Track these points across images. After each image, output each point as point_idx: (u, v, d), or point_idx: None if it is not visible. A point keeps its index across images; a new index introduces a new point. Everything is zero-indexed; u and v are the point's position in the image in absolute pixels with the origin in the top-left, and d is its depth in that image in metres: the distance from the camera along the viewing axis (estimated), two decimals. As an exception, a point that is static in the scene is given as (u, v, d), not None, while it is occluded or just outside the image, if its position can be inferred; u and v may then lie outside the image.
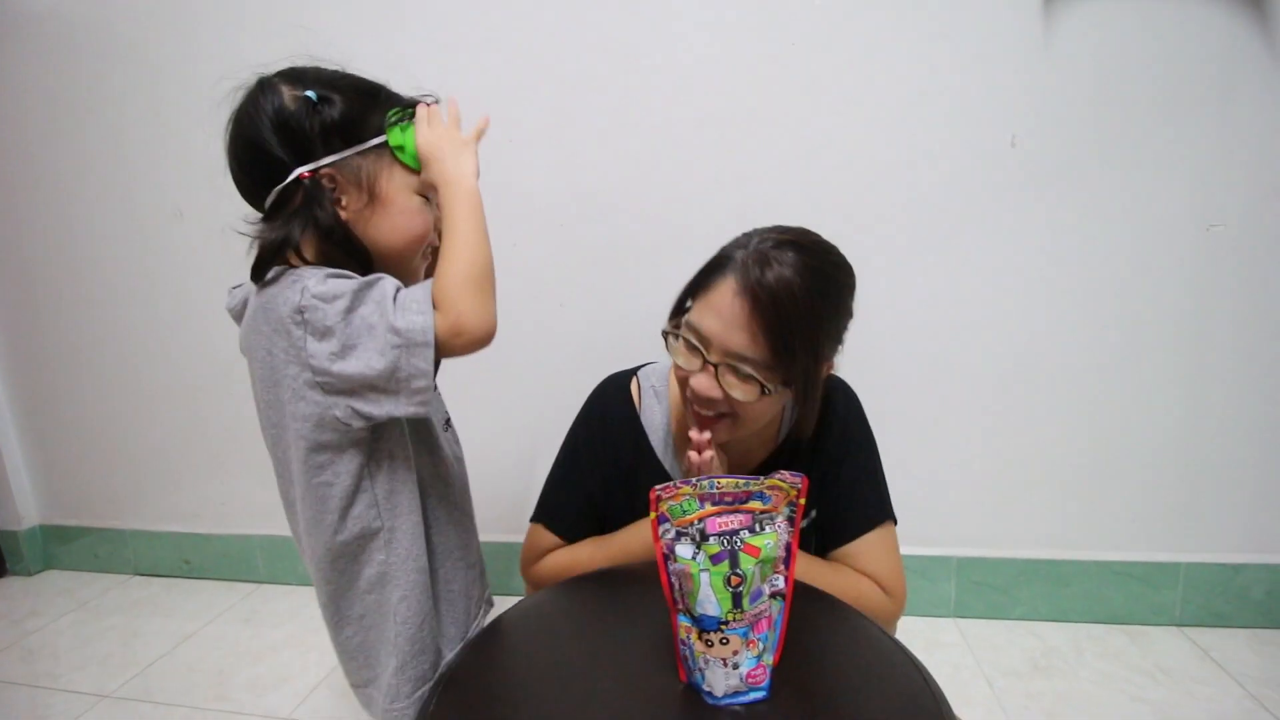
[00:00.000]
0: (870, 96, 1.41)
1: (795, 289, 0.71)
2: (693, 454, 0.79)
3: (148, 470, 1.95)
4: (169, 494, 1.95)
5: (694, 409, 0.80)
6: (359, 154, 0.67)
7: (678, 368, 0.80)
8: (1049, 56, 1.34)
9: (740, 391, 0.74)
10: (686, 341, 0.77)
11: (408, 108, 0.72)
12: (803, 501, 0.61)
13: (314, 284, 0.62)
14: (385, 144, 0.69)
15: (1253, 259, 1.38)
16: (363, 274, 0.67)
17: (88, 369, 1.91)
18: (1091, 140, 1.37)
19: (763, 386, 0.73)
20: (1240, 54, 1.30)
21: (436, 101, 0.75)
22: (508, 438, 1.62)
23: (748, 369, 0.73)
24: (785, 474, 0.61)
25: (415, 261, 0.74)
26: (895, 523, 0.90)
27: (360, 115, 0.68)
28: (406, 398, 0.63)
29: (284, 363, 0.64)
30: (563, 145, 1.52)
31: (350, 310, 0.61)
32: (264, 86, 0.67)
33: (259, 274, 0.66)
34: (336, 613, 0.73)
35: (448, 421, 0.83)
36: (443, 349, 0.63)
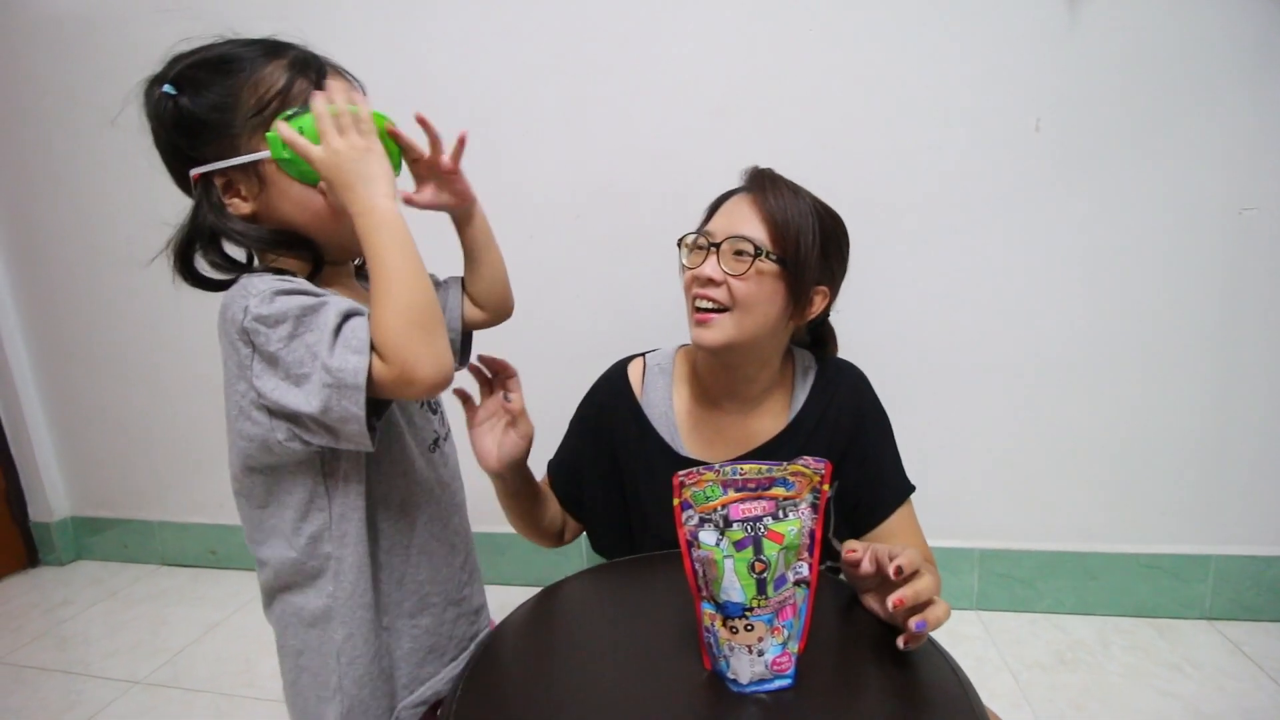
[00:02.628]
0: (889, 80, 1.39)
1: (796, 195, 0.84)
2: None
3: (173, 463, 1.99)
4: (194, 486, 1.98)
5: (694, 307, 0.85)
6: (234, 149, 0.60)
7: (685, 269, 0.86)
8: (1075, 36, 1.31)
9: (737, 266, 0.81)
10: (696, 244, 0.86)
11: (288, 106, 0.60)
12: (826, 488, 0.61)
13: (256, 303, 0.55)
14: (268, 150, 0.60)
15: (1288, 243, 1.34)
16: (308, 255, 0.64)
17: (114, 365, 1.95)
18: (1119, 123, 1.34)
19: (756, 251, 0.80)
20: (1273, 33, 1.26)
21: (325, 73, 0.63)
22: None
23: (746, 245, 0.80)
24: (809, 460, 0.61)
25: (347, 229, 0.60)
26: (914, 489, 0.92)
27: (227, 96, 0.60)
28: (344, 439, 0.57)
29: (234, 378, 0.59)
30: (577, 136, 1.51)
31: (293, 336, 0.55)
32: (146, 87, 0.62)
33: (199, 283, 0.64)
34: (279, 640, 0.67)
35: (436, 442, 0.74)
36: (392, 394, 0.57)
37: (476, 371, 0.83)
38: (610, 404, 0.96)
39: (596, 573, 0.84)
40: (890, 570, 0.62)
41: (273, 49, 0.63)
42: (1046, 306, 1.44)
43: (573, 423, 1.01)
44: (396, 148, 0.66)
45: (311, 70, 0.62)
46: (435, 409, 0.77)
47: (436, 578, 0.72)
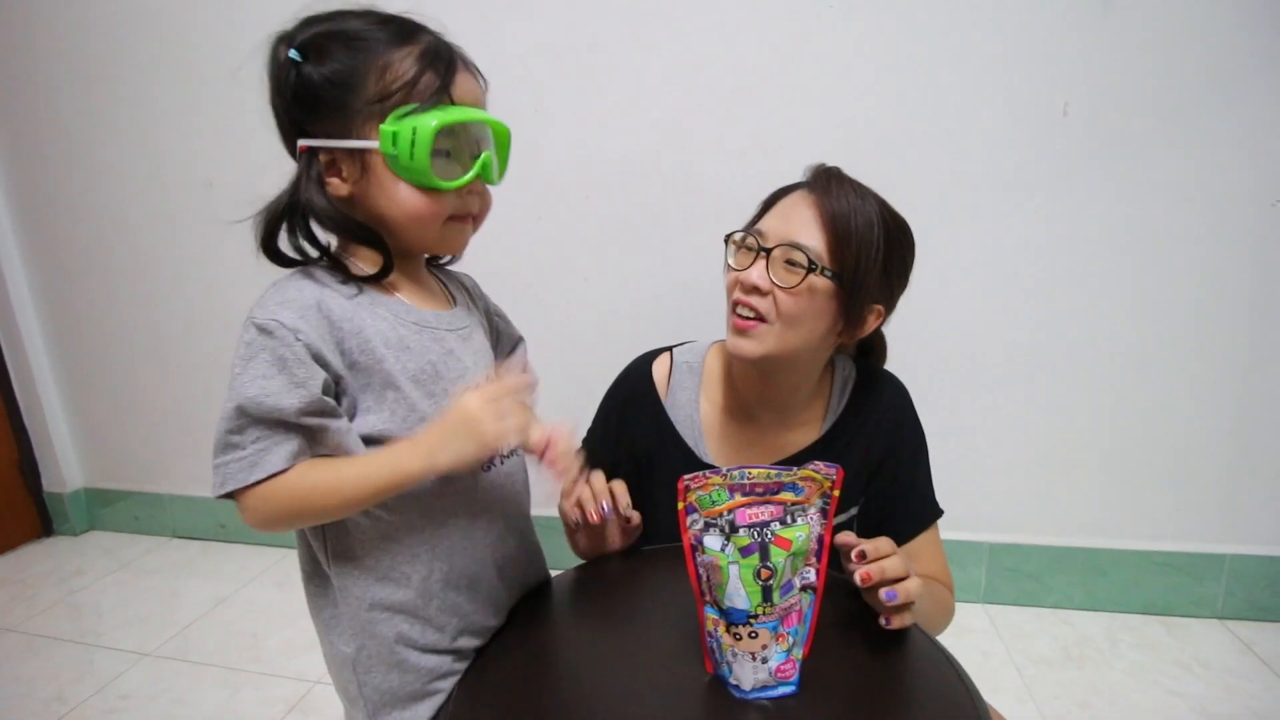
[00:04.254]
0: (913, 61, 1.34)
1: (863, 202, 0.75)
2: None
3: (183, 437, 2.00)
4: (203, 460, 1.97)
5: (735, 313, 0.78)
6: (346, 130, 0.58)
7: (730, 270, 0.79)
8: (1106, 20, 1.26)
9: (788, 278, 0.74)
10: (745, 244, 0.78)
11: (410, 101, 0.58)
12: (837, 494, 0.59)
13: (259, 312, 0.56)
14: (377, 142, 0.58)
15: (1322, 238, 1.29)
16: (378, 257, 0.62)
17: (126, 338, 1.95)
18: (1149, 110, 1.29)
19: (810, 266, 0.73)
20: (1321, 15, 1.21)
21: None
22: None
23: (799, 256, 0.73)
24: (819, 465, 0.59)
25: (433, 233, 0.63)
26: (941, 514, 0.89)
27: (351, 75, 0.57)
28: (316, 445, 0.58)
29: None
30: (589, 112, 1.48)
31: (240, 371, 0.56)
32: (272, 45, 0.60)
33: (273, 256, 0.62)
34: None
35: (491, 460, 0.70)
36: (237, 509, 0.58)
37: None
38: (631, 403, 0.91)
39: (596, 566, 0.83)
40: (853, 554, 0.63)
41: (406, 33, 0.60)
42: (1065, 296, 1.40)
43: (596, 418, 0.94)
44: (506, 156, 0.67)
45: (442, 63, 0.60)
46: None
47: (472, 574, 0.68)
